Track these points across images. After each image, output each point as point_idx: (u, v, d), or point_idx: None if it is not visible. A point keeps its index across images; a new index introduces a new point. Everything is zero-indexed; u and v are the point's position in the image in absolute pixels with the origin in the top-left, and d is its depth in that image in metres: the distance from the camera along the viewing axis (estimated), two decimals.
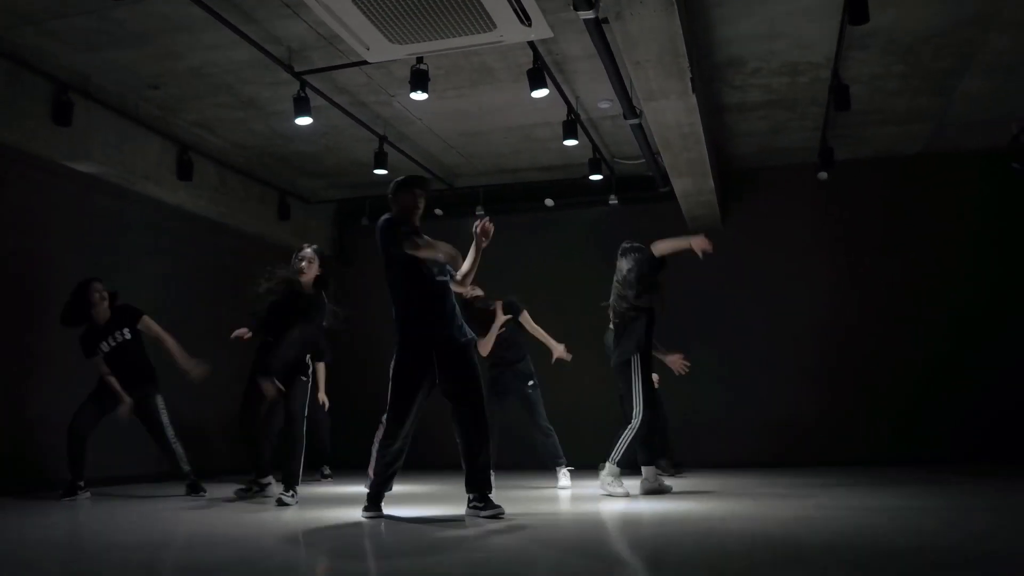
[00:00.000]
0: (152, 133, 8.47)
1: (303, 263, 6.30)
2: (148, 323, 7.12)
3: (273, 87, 7.90)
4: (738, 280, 10.24)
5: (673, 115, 6.91)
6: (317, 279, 6.31)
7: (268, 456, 6.94)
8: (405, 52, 6.08)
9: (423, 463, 7.94)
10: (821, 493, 6.15)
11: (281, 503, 5.90)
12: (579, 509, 5.56)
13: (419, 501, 6.18)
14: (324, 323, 6.36)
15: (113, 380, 6.95)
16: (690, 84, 6.28)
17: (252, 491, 6.77)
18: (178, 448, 7.10)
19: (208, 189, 9.37)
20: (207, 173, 9.33)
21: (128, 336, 7.06)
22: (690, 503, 5.60)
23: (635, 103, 7.44)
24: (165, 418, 7.09)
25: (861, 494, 6.02)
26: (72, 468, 6.81)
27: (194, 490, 7.03)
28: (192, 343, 7.71)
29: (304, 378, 6.26)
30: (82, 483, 6.83)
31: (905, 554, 3.36)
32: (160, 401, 7.13)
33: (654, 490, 6.21)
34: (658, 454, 8.46)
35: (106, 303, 7.06)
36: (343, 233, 11.87)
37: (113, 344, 7.01)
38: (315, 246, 6.48)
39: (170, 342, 7.07)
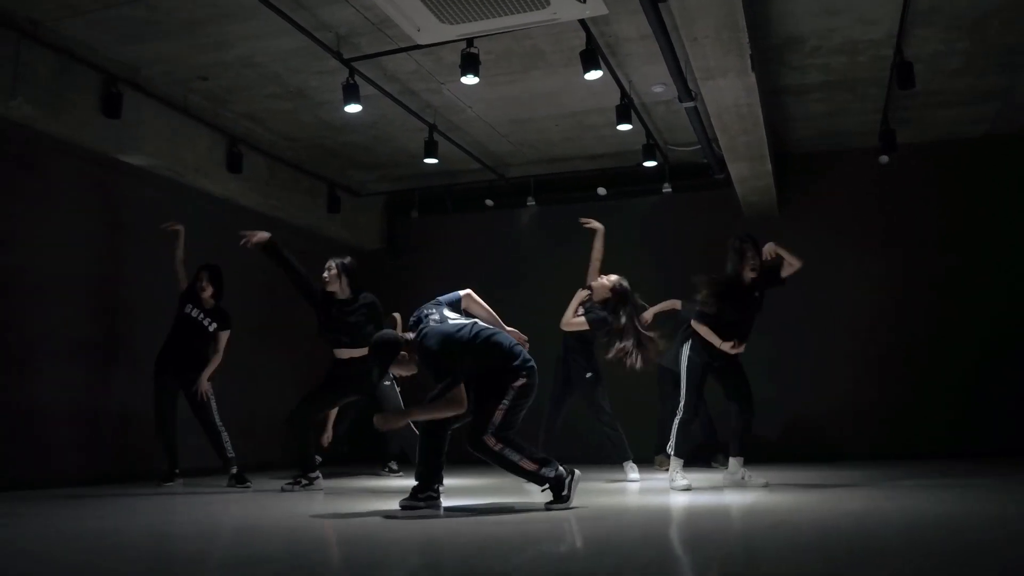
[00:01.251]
0: (201, 125, 8.44)
1: (324, 274, 6.69)
2: (224, 337, 7.36)
3: (321, 76, 7.81)
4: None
5: (731, 94, 6.68)
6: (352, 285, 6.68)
7: (315, 451, 6.94)
8: (456, 33, 5.93)
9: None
10: (888, 485, 5.90)
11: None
12: (646, 502, 5.37)
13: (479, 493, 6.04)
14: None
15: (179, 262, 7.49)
16: (749, 61, 6.05)
17: (302, 484, 6.68)
18: (224, 433, 7.17)
19: (258, 182, 9.32)
20: (257, 166, 9.28)
21: (211, 328, 7.28)
22: (754, 496, 5.39)
23: (691, 85, 7.22)
24: (213, 403, 7.19)
25: (931, 486, 5.76)
26: (168, 455, 7.19)
27: (239, 481, 7.01)
28: (241, 337, 7.88)
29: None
30: (177, 470, 7.18)
31: (996, 547, 3.14)
32: (209, 387, 7.23)
33: (735, 483, 6.24)
34: (720, 448, 8.38)
35: (208, 294, 7.32)
36: (393, 226, 11.79)
37: (196, 316, 7.24)
38: (340, 260, 6.78)
39: (215, 363, 7.30)
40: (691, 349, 6.33)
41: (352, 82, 7.25)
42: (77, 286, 7.72)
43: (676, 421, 6.28)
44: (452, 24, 5.74)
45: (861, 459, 8.95)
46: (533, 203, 10.60)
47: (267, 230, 9.82)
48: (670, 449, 6.27)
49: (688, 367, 6.34)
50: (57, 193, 7.53)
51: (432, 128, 8.72)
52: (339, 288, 6.64)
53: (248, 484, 6.96)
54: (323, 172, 10.40)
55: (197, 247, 8.78)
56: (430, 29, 5.75)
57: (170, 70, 7.76)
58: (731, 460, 6.31)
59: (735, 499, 5.29)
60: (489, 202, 10.73)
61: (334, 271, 6.66)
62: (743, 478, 6.25)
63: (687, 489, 5.91)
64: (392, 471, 8.67)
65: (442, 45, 7.06)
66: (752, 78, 6.38)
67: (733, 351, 6.22)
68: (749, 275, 6.25)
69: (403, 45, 7.05)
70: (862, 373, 9.66)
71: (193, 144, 8.38)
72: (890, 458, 8.84)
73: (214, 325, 7.26)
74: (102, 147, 7.58)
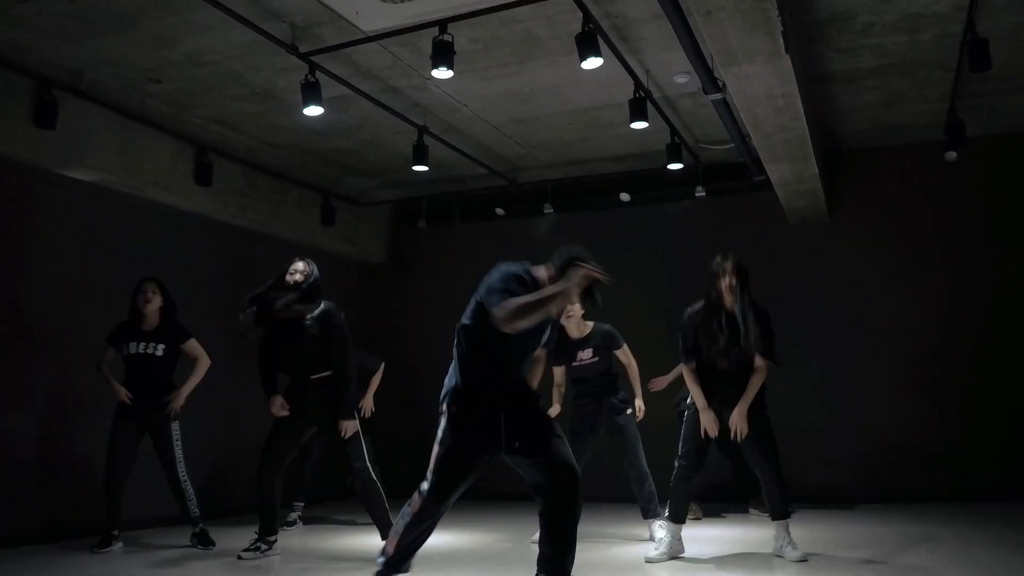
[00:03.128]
0: (162, 133, 7.46)
1: (295, 275, 5.81)
2: (193, 347, 6.45)
3: (287, 74, 6.74)
4: (846, 282, 8.68)
5: (762, 83, 5.45)
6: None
7: (278, 508, 5.91)
8: (404, 16, 4.83)
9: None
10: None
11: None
12: None
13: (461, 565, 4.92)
14: None
15: (106, 370, 6.27)
16: (782, 41, 4.83)
17: (261, 550, 5.74)
18: (188, 488, 6.28)
19: (234, 194, 8.30)
20: (232, 176, 8.27)
21: (159, 353, 6.28)
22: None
23: (716, 73, 6.04)
24: (179, 452, 6.29)
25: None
26: (109, 517, 6.19)
27: (202, 541, 6.22)
28: (227, 367, 7.20)
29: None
30: (116, 531, 6.20)
31: None
32: (176, 430, 6.29)
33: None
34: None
35: (154, 307, 6.32)
36: (398, 237, 10.73)
37: (140, 351, 6.27)
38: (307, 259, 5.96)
39: (200, 372, 6.44)
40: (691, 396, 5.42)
41: (312, 79, 6.17)
42: (21, 314, 6.78)
43: (672, 478, 5.43)
44: (396, 3, 4.62)
45: (921, 501, 7.67)
46: (551, 210, 9.47)
47: (251, 246, 8.93)
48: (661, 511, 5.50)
49: (688, 415, 5.45)
50: None
51: (422, 131, 7.61)
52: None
53: (212, 545, 6.18)
54: (314, 181, 9.37)
55: (166, 266, 7.77)
56: (371, 11, 4.65)
57: (116, 73, 6.75)
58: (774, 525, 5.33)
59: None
60: (499, 211, 9.64)
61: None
62: (782, 546, 5.26)
63: (658, 559, 5.26)
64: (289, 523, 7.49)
65: (419, 34, 5.96)
66: (787, 62, 5.16)
67: (710, 429, 5.31)
68: (729, 297, 5.23)
69: (371, 34, 5.96)
70: (922, 401, 8.32)
71: (152, 155, 7.39)
72: (952, 499, 7.59)
73: (161, 347, 6.29)
74: (37, 161, 6.60)
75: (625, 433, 6.20)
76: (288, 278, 5.78)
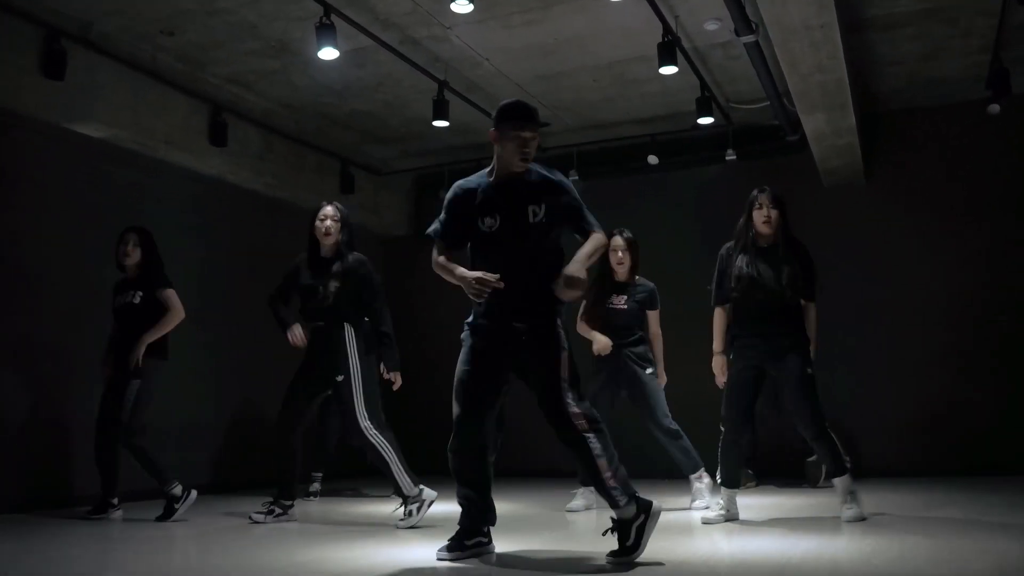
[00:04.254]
0: (175, 90, 7.24)
1: (326, 222, 5.42)
2: (167, 296, 5.87)
3: (302, 24, 6.49)
4: (882, 249, 8.32)
5: (799, 10, 5.11)
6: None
7: (297, 472, 5.60)
8: None
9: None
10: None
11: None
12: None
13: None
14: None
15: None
16: None
17: (275, 513, 5.45)
18: (132, 459, 5.74)
19: (250, 157, 8.08)
20: (248, 138, 8.05)
21: (136, 301, 5.85)
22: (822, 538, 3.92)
23: (750, 14, 5.75)
24: (124, 414, 5.69)
25: None
26: (104, 484, 5.79)
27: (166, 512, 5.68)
28: (240, 337, 7.19)
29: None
30: (115, 500, 5.81)
31: None
32: (132, 389, 5.72)
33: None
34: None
35: (134, 260, 5.92)
36: (421, 208, 10.47)
37: (122, 303, 5.91)
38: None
39: (168, 323, 5.83)
40: (733, 353, 5.07)
41: (327, 22, 5.91)
42: (25, 273, 6.56)
43: (720, 443, 5.10)
44: None
45: (966, 475, 7.33)
46: (576, 178, 9.16)
47: (268, 212, 8.70)
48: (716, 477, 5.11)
49: (729, 377, 5.09)
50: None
51: (443, 85, 7.33)
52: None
53: (176, 509, 5.66)
54: (334, 147, 9.12)
55: (179, 229, 7.58)
56: None
57: (127, 24, 6.56)
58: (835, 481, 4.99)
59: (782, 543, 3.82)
60: None
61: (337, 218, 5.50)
62: (844, 504, 4.92)
63: (715, 521, 4.95)
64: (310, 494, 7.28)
65: None
66: None
67: (719, 374, 5.18)
68: (763, 229, 4.93)
69: None
70: (962, 374, 7.94)
71: (165, 112, 7.18)
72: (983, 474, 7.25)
73: (139, 295, 5.85)
74: (45, 114, 6.39)
75: (647, 388, 5.79)
76: (319, 225, 5.41)
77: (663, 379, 5.95)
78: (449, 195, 3.96)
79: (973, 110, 7.89)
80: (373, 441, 5.29)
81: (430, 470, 5.88)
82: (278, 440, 5.45)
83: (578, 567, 3.69)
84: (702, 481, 5.76)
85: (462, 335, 3.94)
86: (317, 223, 5.43)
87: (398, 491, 5.26)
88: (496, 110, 3.91)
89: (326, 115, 8.54)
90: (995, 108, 7.46)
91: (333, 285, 5.37)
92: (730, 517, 5.01)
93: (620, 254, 5.95)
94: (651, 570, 3.46)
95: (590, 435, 3.61)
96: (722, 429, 5.15)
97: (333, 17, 6.00)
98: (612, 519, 3.62)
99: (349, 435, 5.53)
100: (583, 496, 5.88)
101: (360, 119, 8.68)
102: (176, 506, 5.66)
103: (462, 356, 3.89)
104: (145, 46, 6.89)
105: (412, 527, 5.09)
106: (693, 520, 5.15)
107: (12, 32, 6.01)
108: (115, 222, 6.63)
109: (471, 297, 3.72)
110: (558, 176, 3.91)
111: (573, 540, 4.69)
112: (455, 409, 3.85)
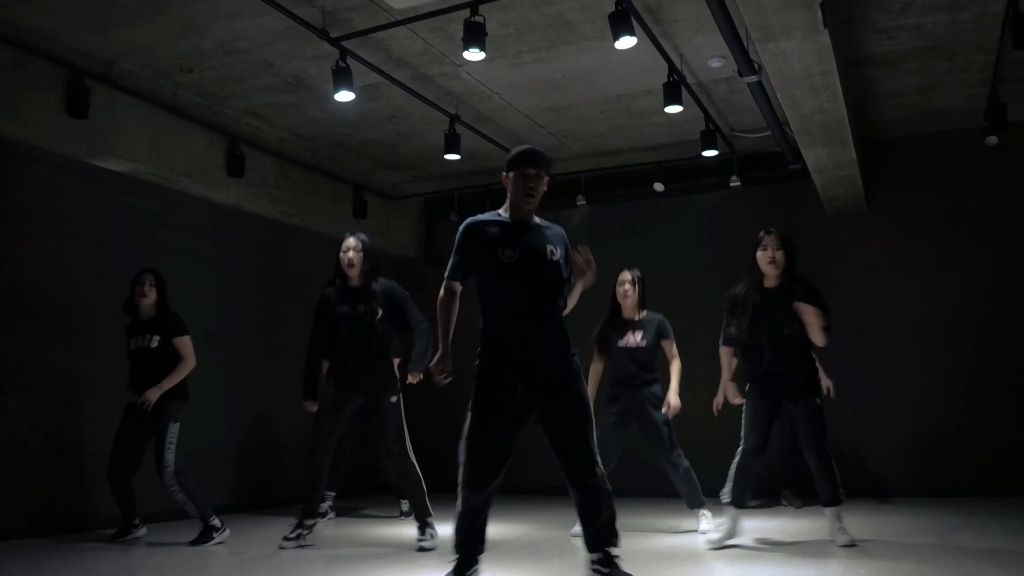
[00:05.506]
0: (193, 124, 7.43)
1: (349, 253, 5.62)
2: (181, 344, 6.07)
3: (317, 63, 6.72)
4: (884, 274, 8.49)
5: (799, 60, 5.32)
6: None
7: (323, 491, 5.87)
8: None
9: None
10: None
11: (423, 549, 5.36)
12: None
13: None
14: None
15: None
16: (820, 15, 4.72)
17: (303, 536, 5.66)
18: (179, 496, 5.88)
19: (267, 186, 8.28)
20: (264, 168, 8.25)
21: (154, 345, 6.02)
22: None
23: (753, 55, 5.93)
24: (170, 456, 5.88)
25: None
26: (122, 510, 6.06)
27: (203, 538, 5.91)
28: (256, 359, 7.32)
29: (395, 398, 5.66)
30: (136, 520, 6.12)
31: None
32: (173, 432, 5.93)
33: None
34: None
35: (150, 300, 6.10)
36: (431, 231, 10.68)
37: (138, 346, 6.07)
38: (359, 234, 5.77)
39: (181, 371, 6.02)
40: (749, 386, 5.26)
41: (343, 65, 6.12)
42: (50, 305, 6.76)
43: (734, 464, 5.25)
44: None
45: (978, 495, 7.49)
46: (584, 202, 9.36)
47: (284, 239, 8.93)
48: (723, 496, 5.27)
49: (747, 402, 5.26)
50: (14, 203, 6.59)
51: (454, 119, 7.54)
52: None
53: (204, 543, 5.87)
54: (347, 174, 9.33)
55: (198, 258, 7.88)
56: None
57: (148, 62, 6.77)
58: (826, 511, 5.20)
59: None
60: None
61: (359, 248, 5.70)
62: (833, 533, 5.15)
63: (717, 541, 5.16)
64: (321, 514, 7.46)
65: (450, 18, 5.92)
66: (825, 37, 5.03)
67: (730, 397, 5.54)
68: (768, 270, 5.08)
69: (399, 18, 5.92)
70: (963, 395, 8.10)
71: (183, 146, 7.38)
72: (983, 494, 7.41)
73: (156, 339, 6.02)
74: (69, 151, 6.60)
75: (659, 430, 5.91)
76: (343, 257, 5.61)
77: (677, 403, 5.94)
78: (463, 229, 3.95)
79: (971, 138, 8.09)
80: (411, 464, 5.54)
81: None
82: (314, 463, 5.60)
83: None
84: (704, 515, 5.94)
85: (474, 375, 3.86)
86: (341, 255, 5.66)
87: (420, 515, 5.47)
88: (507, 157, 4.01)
89: (340, 144, 8.75)
90: (993, 140, 7.66)
91: (375, 311, 5.58)
92: (732, 536, 5.19)
93: (626, 287, 6.06)
94: None
95: (606, 483, 3.72)
96: (738, 452, 5.23)
97: (348, 57, 6.21)
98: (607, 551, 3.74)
99: (388, 455, 5.75)
100: None
101: (373, 148, 8.89)
102: (214, 535, 5.89)
103: (481, 402, 3.78)
104: (165, 83, 7.11)
105: (432, 549, 5.33)
106: (697, 545, 5.35)
107: (38, 73, 6.21)
108: (136, 253, 6.88)
109: (435, 378, 3.80)
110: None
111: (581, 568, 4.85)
112: (480, 453, 3.77)
